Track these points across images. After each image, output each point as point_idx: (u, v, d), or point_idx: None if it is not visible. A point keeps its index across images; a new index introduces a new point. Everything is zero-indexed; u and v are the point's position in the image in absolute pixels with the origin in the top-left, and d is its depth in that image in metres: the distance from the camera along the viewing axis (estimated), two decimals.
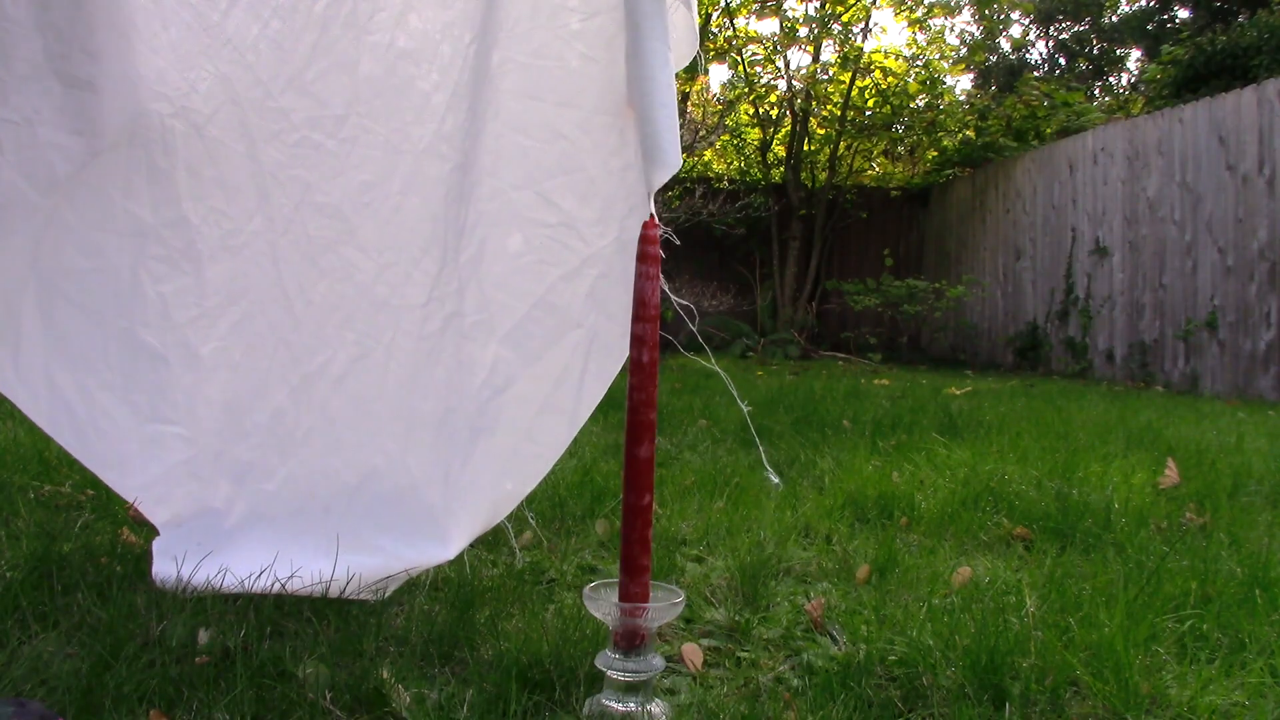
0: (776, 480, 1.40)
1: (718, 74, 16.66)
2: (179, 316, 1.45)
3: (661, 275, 1.31)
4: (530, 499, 1.82)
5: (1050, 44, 20.44)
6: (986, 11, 11.20)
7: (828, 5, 9.53)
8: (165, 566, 1.46)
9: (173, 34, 1.36)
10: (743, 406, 1.52)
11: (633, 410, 1.14)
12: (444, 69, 1.47)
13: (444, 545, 1.47)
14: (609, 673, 1.10)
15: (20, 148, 1.29)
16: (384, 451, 1.52)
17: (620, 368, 1.53)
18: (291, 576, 1.43)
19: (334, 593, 1.44)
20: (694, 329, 1.41)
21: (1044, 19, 19.73)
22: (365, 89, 1.47)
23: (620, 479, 1.18)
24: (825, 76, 9.77)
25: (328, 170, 1.48)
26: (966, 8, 10.74)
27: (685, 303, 1.36)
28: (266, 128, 1.45)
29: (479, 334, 1.50)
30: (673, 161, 1.21)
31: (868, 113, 10.14)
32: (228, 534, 1.49)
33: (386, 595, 1.48)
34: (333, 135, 1.47)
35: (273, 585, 1.42)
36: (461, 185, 1.48)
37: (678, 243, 1.27)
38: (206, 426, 1.49)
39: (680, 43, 1.52)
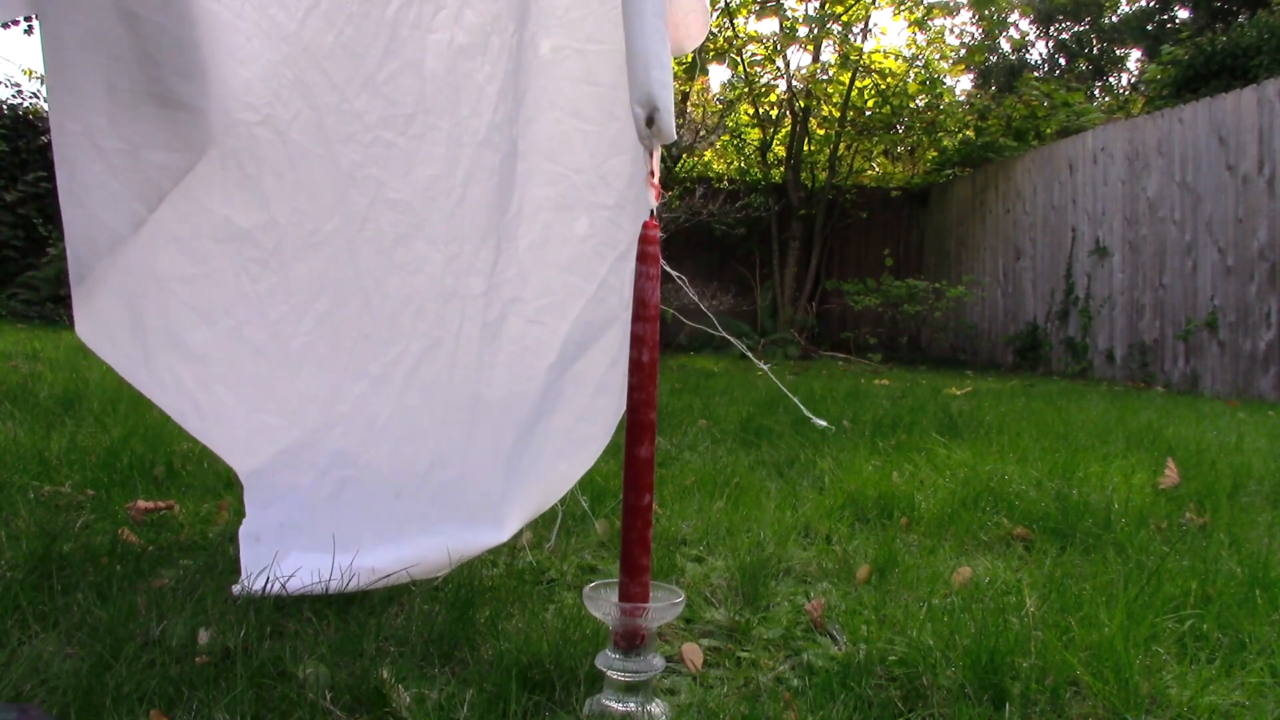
0: (824, 424, 1.44)
1: (718, 74, 16.66)
2: (272, 314, 1.54)
3: (680, 275, 1.33)
4: None
5: (1050, 44, 20.43)
6: (986, 12, 11.19)
7: (827, 5, 9.53)
8: (249, 551, 1.52)
9: (255, 44, 1.43)
10: (818, 419, 1.53)
11: (633, 410, 1.14)
12: (494, 60, 1.53)
13: (499, 529, 1.50)
14: (609, 673, 1.10)
15: (131, 172, 1.38)
16: (450, 439, 1.57)
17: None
18: (294, 580, 1.44)
19: (400, 580, 1.48)
20: (733, 339, 1.43)
21: (1044, 19, 19.72)
22: (430, 86, 1.53)
23: (620, 479, 1.18)
24: (825, 76, 9.77)
25: (399, 167, 1.54)
26: (965, 8, 10.72)
27: (702, 303, 1.38)
28: (342, 130, 1.52)
29: (549, 318, 1.56)
30: (668, 133, 1.22)
31: (867, 113, 10.14)
32: (309, 518, 1.56)
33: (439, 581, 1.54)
34: (403, 133, 1.54)
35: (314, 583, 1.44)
36: (512, 173, 1.54)
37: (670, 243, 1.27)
38: (298, 418, 1.57)
39: (690, 13, 1.58)
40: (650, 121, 1.17)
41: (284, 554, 1.49)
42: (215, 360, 1.53)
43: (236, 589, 1.45)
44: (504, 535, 1.49)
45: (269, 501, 1.57)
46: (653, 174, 1.20)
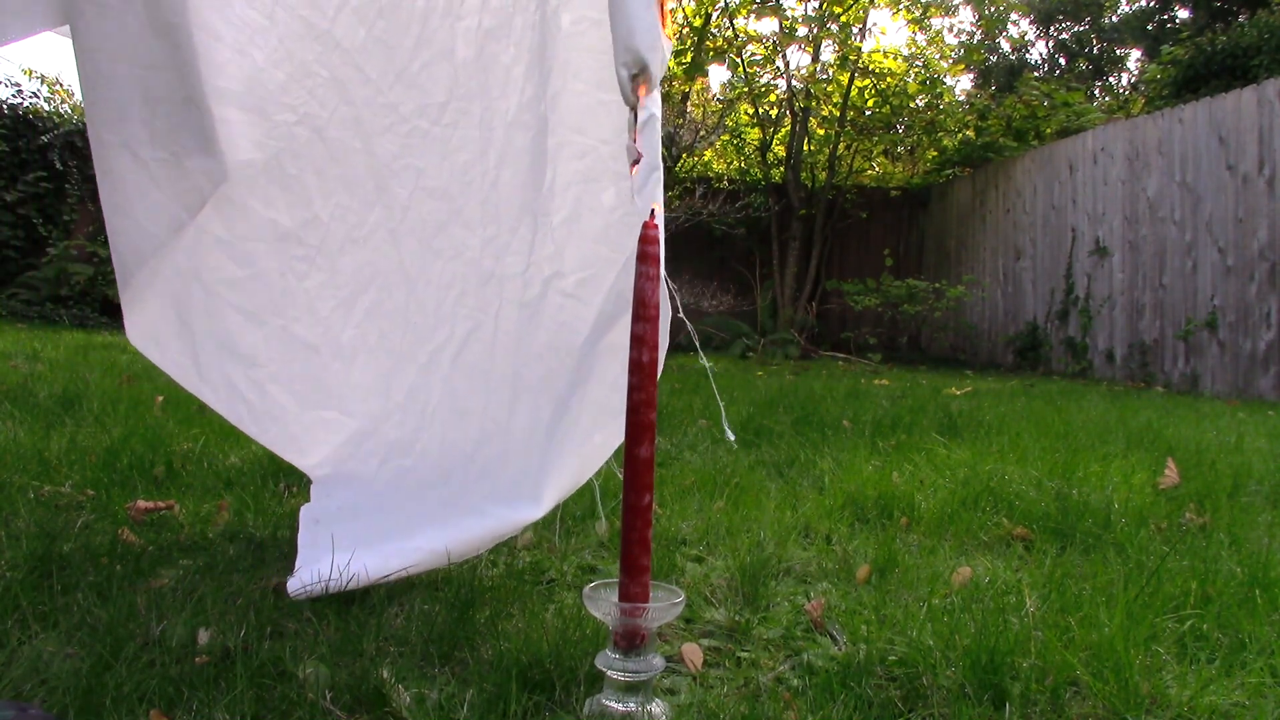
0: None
1: (717, 74, 16.66)
2: (322, 309, 1.57)
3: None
4: None
5: (1050, 44, 20.44)
6: (986, 11, 11.19)
7: (826, 5, 9.52)
8: (308, 532, 1.54)
9: (289, 46, 1.45)
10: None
11: (633, 410, 1.14)
12: (518, 40, 1.55)
13: (537, 503, 1.49)
14: (609, 673, 1.10)
15: (173, 180, 1.40)
16: (494, 418, 1.58)
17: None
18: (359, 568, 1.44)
19: (454, 561, 1.49)
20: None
21: (1044, 19, 19.72)
22: (462, 73, 1.55)
23: (620, 479, 1.18)
24: (824, 76, 9.77)
25: (435, 156, 1.58)
26: (963, 7, 10.72)
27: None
28: (379, 122, 1.54)
29: (585, 292, 1.55)
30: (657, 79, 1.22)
31: (867, 113, 10.14)
32: (368, 503, 1.58)
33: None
34: (437, 122, 1.57)
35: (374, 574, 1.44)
36: (543, 149, 1.55)
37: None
38: (358, 409, 1.60)
39: None
40: (636, 79, 1.18)
41: (340, 545, 1.48)
42: (266, 360, 1.56)
43: (294, 582, 1.44)
44: (541, 510, 1.48)
45: (331, 491, 1.60)
46: (635, 138, 1.21)
